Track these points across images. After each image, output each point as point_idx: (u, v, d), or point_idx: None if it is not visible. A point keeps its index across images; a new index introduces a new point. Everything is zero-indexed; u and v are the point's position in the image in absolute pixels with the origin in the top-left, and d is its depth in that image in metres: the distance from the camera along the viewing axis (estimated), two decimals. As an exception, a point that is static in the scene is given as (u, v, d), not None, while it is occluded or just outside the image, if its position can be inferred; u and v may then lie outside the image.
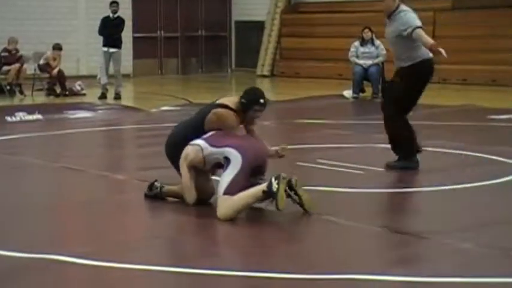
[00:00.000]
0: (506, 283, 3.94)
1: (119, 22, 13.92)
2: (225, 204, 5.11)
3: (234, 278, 4.04)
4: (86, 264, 4.23)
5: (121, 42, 13.93)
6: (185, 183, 5.39)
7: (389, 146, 7.14)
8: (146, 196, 5.80)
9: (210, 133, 5.41)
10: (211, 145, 5.29)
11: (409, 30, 6.89)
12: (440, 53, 6.88)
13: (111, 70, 13.95)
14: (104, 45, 13.80)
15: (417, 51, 7.02)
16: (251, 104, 5.37)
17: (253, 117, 5.45)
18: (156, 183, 5.75)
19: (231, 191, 5.12)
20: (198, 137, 5.39)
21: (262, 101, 5.40)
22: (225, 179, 5.17)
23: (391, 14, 7.04)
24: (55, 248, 4.52)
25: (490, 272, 4.08)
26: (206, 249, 4.70)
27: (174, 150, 5.53)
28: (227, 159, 5.20)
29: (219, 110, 5.41)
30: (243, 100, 5.39)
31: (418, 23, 6.94)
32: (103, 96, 13.72)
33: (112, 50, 13.81)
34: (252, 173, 5.26)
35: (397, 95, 7.11)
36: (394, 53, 7.19)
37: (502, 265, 4.22)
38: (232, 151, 5.20)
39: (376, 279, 3.97)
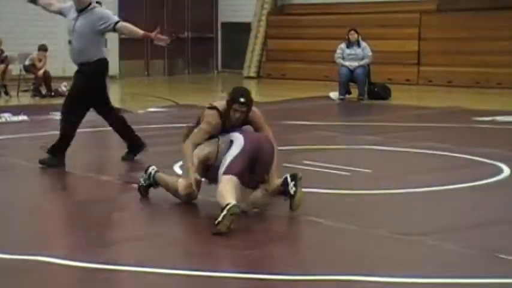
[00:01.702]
0: (490, 284, 3.98)
1: None
2: (220, 185, 5.09)
3: (223, 279, 4.05)
4: (75, 265, 4.23)
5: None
6: (190, 174, 5.40)
7: (376, 147, 7.18)
8: (140, 189, 5.82)
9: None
10: (224, 134, 5.38)
11: (111, 22, 7.06)
12: (161, 39, 7.10)
13: None
14: None
15: (100, 49, 7.22)
16: (231, 102, 5.36)
17: (235, 117, 5.37)
18: (151, 167, 5.82)
19: (231, 170, 5.14)
20: None
21: (242, 99, 5.33)
22: (227, 159, 5.22)
23: (83, 9, 7.13)
24: (43, 249, 4.51)
25: (474, 273, 4.12)
26: (196, 250, 4.70)
27: None
28: (231, 142, 5.28)
29: (208, 110, 5.47)
30: (226, 99, 5.42)
31: (117, 18, 7.19)
32: None
33: None
34: (251, 164, 5.23)
35: (74, 92, 7.34)
36: (76, 48, 7.18)
37: (486, 266, 4.26)
38: (237, 135, 5.29)
39: (362, 280, 4.00)
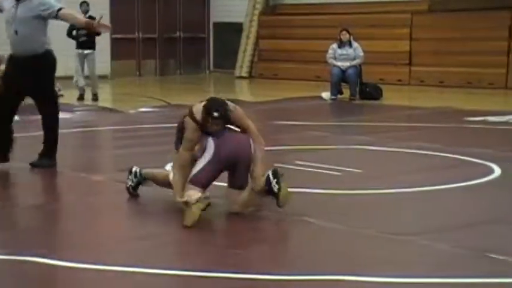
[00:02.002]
0: (481, 283, 3.99)
1: None
2: (186, 192, 5.15)
3: (211, 279, 4.05)
4: (61, 265, 4.21)
5: (94, 43, 13.69)
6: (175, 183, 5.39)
7: (367, 147, 7.18)
8: (128, 189, 5.82)
9: None
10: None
11: (54, 8, 6.88)
12: (104, 26, 7.01)
13: (86, 71, 13.86)
14: (77, 47, 13.60)
15: (46, 38, 7.02)
16: (206, 117, 5.24)
17: (213, 129, 5.28)
18: (134, 167, 5.84)
19: (196, 179, 5.17)
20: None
21: (215, 114, 5.21)
22: (196, 167, 5.23)
23: None
24: (32, 249, 4.50)
25: (465, 273, 4.13)
26: (182, 250, 4.70)
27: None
28: (205, 148, 5.25)
29: (187, 118, 5.38)
30: (202, 112, 5.31)
31: (60, 5, 7.00)
32: (81, 98, 13.67)
33: (86, 51, 13.66)
34: (226, 169, 5.24)
35: (46, 86, 7.05)
36: (21, 34, 6.89)
37: (477, 265, 4.27)
38: (210, 141, 5.24)
39: (353, 280, 4.00)
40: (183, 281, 4.06)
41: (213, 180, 5.29)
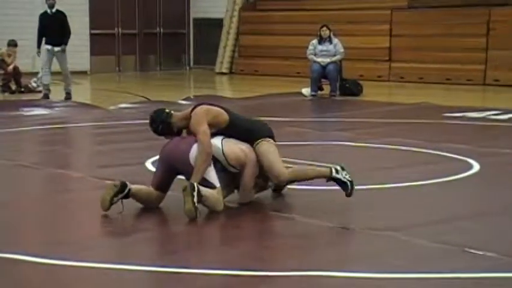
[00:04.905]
0: (460, 278, 4.01)
1: (60, 17, 12.72)
2: None
3: (191, 275, 4.04)
4: (40, 262, 4.19)
5: (65, 38, 12.74)
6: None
7: (348, 143, 7.18)
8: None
9: None
10: None
11: None
12: None
13: (53, 69, 13.13)
14: (47, 43, 12.72)
15: None
16: None
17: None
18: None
19: (152, 180, 5.42)
20: None
21: (150, 128, 5.61)
22: None
23: None
24: (8, 246, 4.46)
25: (444, 268, 4.15)
26: (163, 247, 4.69)
27: None
28: None
29: None
30: None
31: None
32: (45, 97, 12.80)
33: (56, 48, 12.74)
34: (173, 171, 5.34)
35: None
36: None
37: (456, 261, 4.30)
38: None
39: (333, 275, 4.01)
40: (165, 278, 4.05)
41: (163, 179, 5.35)
